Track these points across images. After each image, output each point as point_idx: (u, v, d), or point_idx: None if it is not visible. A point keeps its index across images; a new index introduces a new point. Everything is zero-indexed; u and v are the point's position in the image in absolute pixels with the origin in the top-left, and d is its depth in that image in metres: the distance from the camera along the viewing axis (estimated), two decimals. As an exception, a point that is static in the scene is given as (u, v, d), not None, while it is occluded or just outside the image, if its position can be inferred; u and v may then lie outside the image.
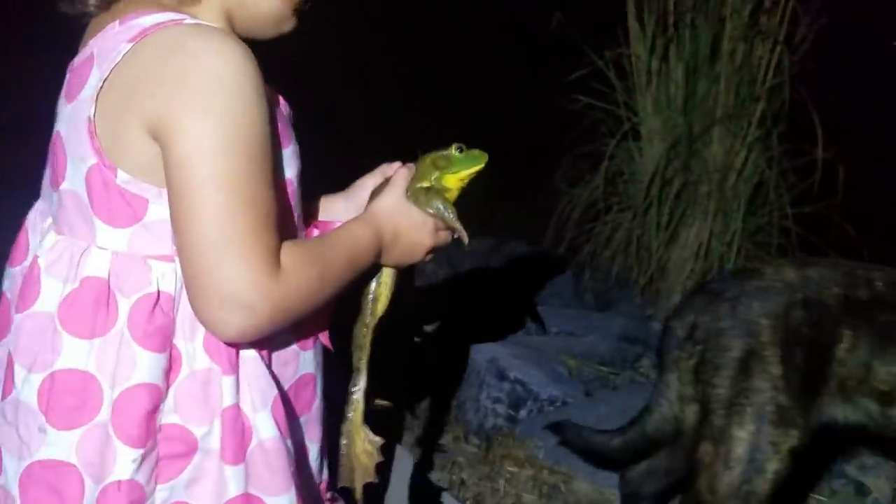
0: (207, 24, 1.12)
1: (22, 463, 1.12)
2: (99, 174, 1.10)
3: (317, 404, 1.30)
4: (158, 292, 1.12)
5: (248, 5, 1.19)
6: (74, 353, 1.11)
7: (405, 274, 1.35)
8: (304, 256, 1.13)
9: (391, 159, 1.37)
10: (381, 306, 1.33)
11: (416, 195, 1.29)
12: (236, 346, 1.14)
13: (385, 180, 1.33)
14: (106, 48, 1.11)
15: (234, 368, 1.14)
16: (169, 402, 1.13)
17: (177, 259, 1.11)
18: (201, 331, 1.13)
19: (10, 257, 1.23)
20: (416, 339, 2.72)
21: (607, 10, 3.55)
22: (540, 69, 4.06)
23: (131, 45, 1.09)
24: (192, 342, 1.13)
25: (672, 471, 2.15)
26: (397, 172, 1.30)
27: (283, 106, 1.23)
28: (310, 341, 1.27)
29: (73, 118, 1.13)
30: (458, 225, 1.31)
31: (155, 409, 1.12)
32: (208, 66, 1.07)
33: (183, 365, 1.13)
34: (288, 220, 1.20)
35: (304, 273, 1.11)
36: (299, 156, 1.23)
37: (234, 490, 1.15)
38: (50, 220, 1.18)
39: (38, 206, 1.23)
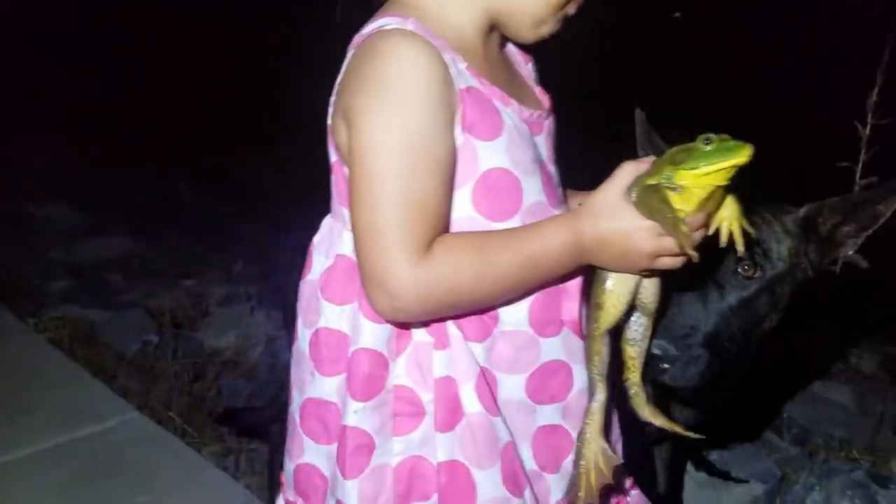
0: (410, 30, 1.16)
1: (301, 397, 1.33)
2: (338, 168, 1.26)
3: (574, 392, 1.29)
4: None
5: (511, 4, 1.23)
6: (330, 315, 1.28)
7: (650, 284, 1.21)
8: (460, 247, 1.16)
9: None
10: (606, 315, 1.20)
11: (636, 193, 1.12)
12: (443, 322, 1.22)
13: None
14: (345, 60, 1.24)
15: (445, 344, 1.23)
16: (399, 367, 1.25)
17: None
18: None
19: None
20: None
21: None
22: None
23: (353, 51, 1.21)
24: None
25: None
26: (620, 167, 1.17)
27: (518, 106, 1.24)
28: (549, 328, 1.26)
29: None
30: (674, 231, 1.09)
31: (376, 372, 1.24)
32: (387, 67, 1.15)
33: (413, 335, 1.25)
34: (509, 203, 1.22)
35: (453, 263, 1.14)
36: (532, 148, 1.25)
37: (442, 455, 1.25)
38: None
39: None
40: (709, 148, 1.08)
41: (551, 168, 1.32)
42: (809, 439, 2.70)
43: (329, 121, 1.25)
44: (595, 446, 1.22)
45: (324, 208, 1.33)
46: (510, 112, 1.23)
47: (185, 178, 5.07)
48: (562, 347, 1.28)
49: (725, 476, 2.52)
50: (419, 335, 1.24)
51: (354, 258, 1.21)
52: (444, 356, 1.23)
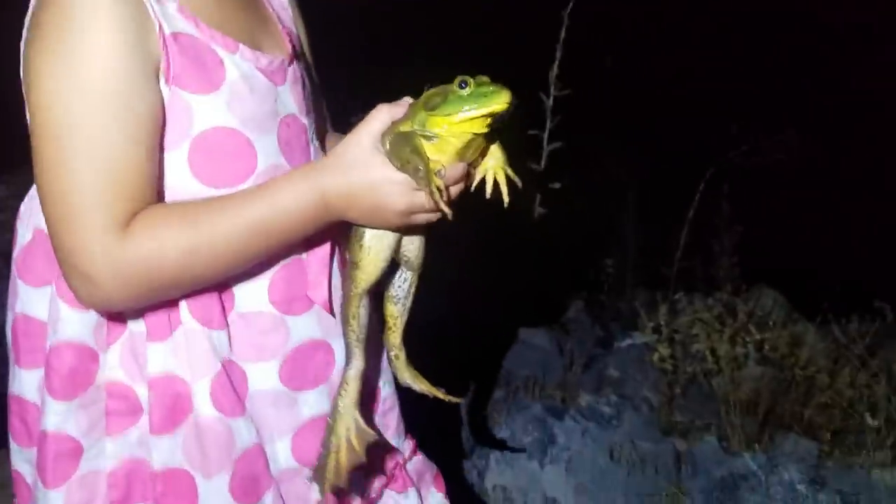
0: None
1: (7, 391, 1.17)
2: None
3: (338, 371, 1.16)
4: None
5: None
6: (27, 300, 1.12)
7: (412, 238, 1.10)
8: (165, 219, 0.99)
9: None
10: (364, 274, 1.08)
11: (388, 143, 1.00)
12: (167, 308, 1.06)
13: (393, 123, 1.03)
14: None
15: (164, 335, 1.07)
16: (112, 357, 1.09)
17: None
18: None
19: None
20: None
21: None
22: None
23: None
24: None
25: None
26: (375, 109, 1.03)
27: (251, 54, 1.10)
28: (297, 305, 1.14)
29: None
30: (426, 186, 0.97)
31: (82, 366, 1.08)
32: (64, 2, 0.96)
33: (128, 324, 1.09)
34: (237, 168, 1.07)
35: (157, 238, 0.98)
36: (267, 101, 1.10)
37: (158, 461, 1.09)
38: None
39: None
40: (465, 92, 0.97)
41: (304, 120, 1.17)
42: (511, 381, 2.96)
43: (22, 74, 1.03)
44: (348, 420, 1.09)
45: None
46: (237, 60, 1.07)
47: None
48: (316, 324, 1.16)
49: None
50: (134, 324, 1.09)
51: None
52: (163, 348, 1.08)
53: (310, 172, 1.03)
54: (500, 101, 0.96)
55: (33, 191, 1.11)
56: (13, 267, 1.15)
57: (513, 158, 1.08)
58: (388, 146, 1.00)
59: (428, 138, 0.99)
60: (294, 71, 1.17)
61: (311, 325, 1.15)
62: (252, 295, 1.11)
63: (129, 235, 0.98)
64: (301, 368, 1.15)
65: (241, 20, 1.13)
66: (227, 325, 1.10)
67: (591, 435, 2.53)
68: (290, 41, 1.21)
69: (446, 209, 0.99)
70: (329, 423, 1.11)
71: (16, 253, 1.14)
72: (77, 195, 0.96)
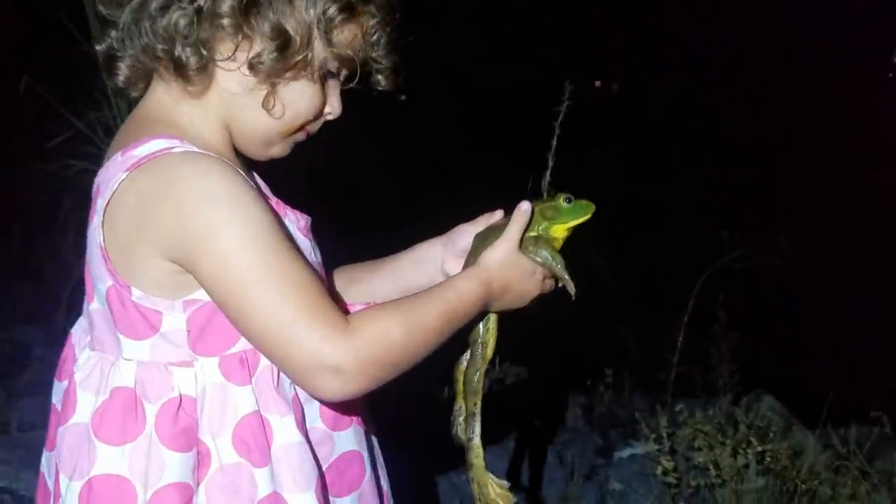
0: (193, 149, 1.17)
1: None
2: (116, 293, 1.18)
3: (367, 479, 1.34)
4: (181, 396, 1.19)
5: (240, 121, 1.25)
6: (108, 460, 1.18)
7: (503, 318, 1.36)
8: (377, 311, 1.18)
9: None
10: (490, 351, 1.34)
11: (525, 245, 1.32)
12: (268, 438, 1.20)
13: (488, 227, 1.38)
14: (107, 178, 1.18)
15: (266, 460, 1.20)
16: (200, 496, 1.19)
17: (195, 364, 1.19)
18: (229, 428, 1.19)
19: (58, 371, 1.32)
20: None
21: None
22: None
23: (128, 173, 1.15)
24: (219, 438, 1.19)
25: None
26: (513, 221, 1.32)
27: (293, 215, 1.29)
28: (343, 422, 1.30)
29: (90, 244, 1.21)
30: (566, 275, 1.32)
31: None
32: (197, 185, 1.14)
33: (212, 460, 1.19)
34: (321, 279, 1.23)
35: (378, 322, 1.15)
36: (315, 255, 1.31)
37: None
38: (89, 337, 1.25)
39: (81, 323, 1.30)
40: (570, 205, 1.33)
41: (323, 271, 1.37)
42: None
43: (100, 248, 1.18)
44: (487, 476, 1.32)
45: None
46: (288, 222, 1.28)
47: None
48: (353, 438, 1.33)
49: None
50: (227, 457, 1.20)
51: (133, 387, 1.18)
52: (267, 472, 1.21)
53: (479, 272, 1.29)
54: (591, 210, 1.34)
55: (92, 358, 1.23)
56: (86, 431, 1.19)
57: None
58: (528, 248, 1.31)
59: (549, 240, 1.33)
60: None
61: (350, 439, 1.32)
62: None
63: (356, 326, 1.14)
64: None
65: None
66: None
67: (597, 550, 2.51)
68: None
69: (573, 289, 1.33)
70: (472, 480, 1.33)
71: (86, 418, 1.20)
72: (296, 311, 1.11)
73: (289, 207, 1.30)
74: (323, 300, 1.14)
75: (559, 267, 1.31)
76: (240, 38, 1.19)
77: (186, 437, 1.19)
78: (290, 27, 1.19)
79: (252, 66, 1.20)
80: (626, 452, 3.12)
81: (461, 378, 1.37)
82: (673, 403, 3.44)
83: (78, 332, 1.30)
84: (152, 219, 1.15)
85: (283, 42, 1.19)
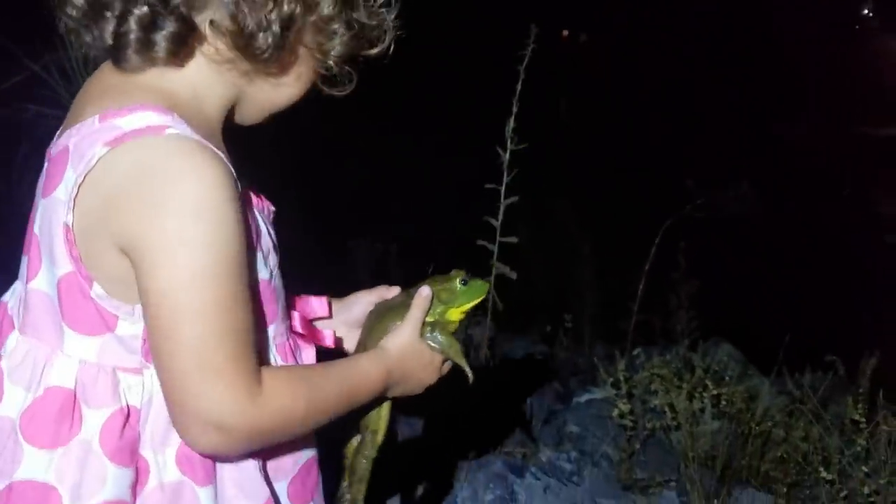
0: (188, 136, 1.05)
1: None
2: (75, 282, 1.07)
3: (319, 484, 1.32)
4: (128, 406, 1.10)
5: (260, 93, 1.18)
6: (34, 464, 1.08)
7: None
8: (291, 382, 1.12)
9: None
10: (381, 438, 1.35)
11: (423, 331, 1.30)
12: (213, 457, 1.13)
13: (384, 303, 1.36)
14: (82, 146, 1.06)
15: (211, 478, 1.14)
16: None
17: (145, 372, 1.11)
18: (173, 444, 1.12)
19: None
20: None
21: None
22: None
23: (107, 149, 1.03)
24: (161, 454, 1.12)
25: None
26: (414, 306, 1.31)
27: (259, 203, 1.21)
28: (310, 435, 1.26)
29: (47, 217, 1.09)
30: (462, 362, 1.32)
31: None
32: (187, 191, 1.02)
33: (151, 476, 1.12)
34: (259, 321, 1.16)
35: (286, 397, 1.10)
36: (277, 250, 1.22)
37: None
38: (20, 317, 1.14)
39: (17, 288, 1.19)
40: (465, 287, 1.33)
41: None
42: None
43: (65, 229, 1.06)
44: None
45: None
46: (255, 212, 1.19)
47: None
48: (314, 443, 1.31)
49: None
50: (169, 474, 1.13)
51: (73, 388, 1.08)
52: (210, 491, 1.15)
53: (379, 357, 1.28)
54: (486, 290, 1.34)
55: (22, 346, 1.12)
56: (13, 428, 1.09)
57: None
58: (426, 334, 1.30)
59: (445, 325, 1.32)
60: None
61: None
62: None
63: (266, 394, 1.08)
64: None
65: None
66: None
67: (553, 492, 2.54)
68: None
69: (471, 376, 1.32)
70: None
71: (14, 413, 1.10)
72: (218, 360, 1.04)
73: (252, 191, 1.22)
74: (246, 355, 1.06)
75: (455, 353, 1.32)
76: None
77: (130, 451, 1.11)
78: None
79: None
80: (584, 397, 3.15)
81: (351, 459, 1.38)
82: (632, 350, 3.48)
83: (14, 303, 1.18)
84: (124, 207, 1.04)
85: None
